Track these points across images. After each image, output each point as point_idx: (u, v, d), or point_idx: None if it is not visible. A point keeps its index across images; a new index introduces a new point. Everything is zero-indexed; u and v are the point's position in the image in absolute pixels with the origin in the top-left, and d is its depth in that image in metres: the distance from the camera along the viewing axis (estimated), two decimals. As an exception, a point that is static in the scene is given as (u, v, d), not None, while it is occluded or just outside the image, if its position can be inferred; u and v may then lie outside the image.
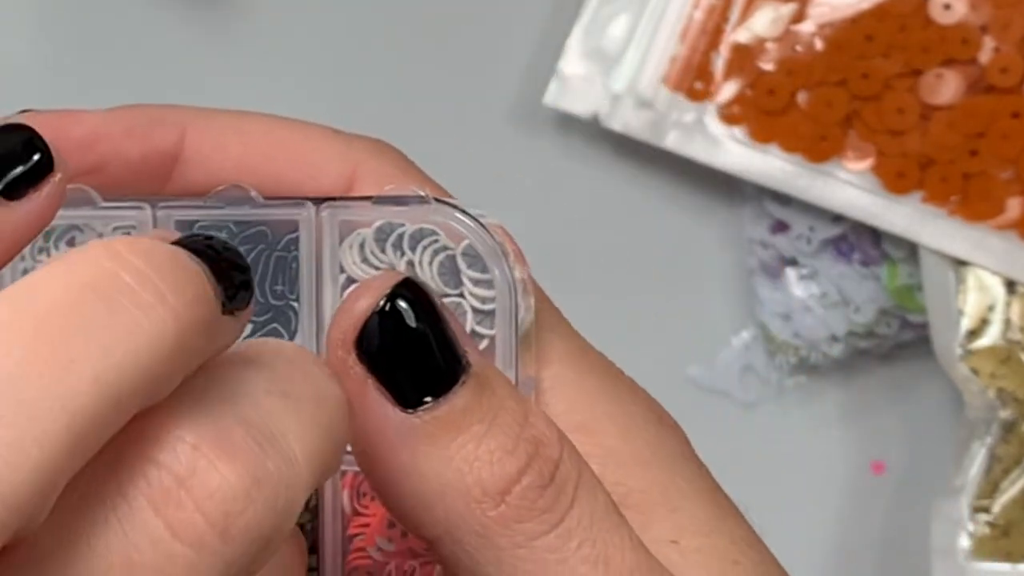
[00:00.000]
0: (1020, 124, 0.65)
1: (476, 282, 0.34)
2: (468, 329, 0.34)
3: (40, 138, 0.30)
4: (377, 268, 0.34)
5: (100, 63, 0.69)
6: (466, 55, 0.70)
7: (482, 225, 0.34)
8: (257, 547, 0.25)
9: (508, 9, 0.70)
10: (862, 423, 0.69)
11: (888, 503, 0.69)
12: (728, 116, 0.66)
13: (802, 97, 0.66)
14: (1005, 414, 0.65)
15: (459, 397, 0.29)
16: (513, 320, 0.34)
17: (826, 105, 0.66)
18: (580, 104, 0.67)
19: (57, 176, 0.30)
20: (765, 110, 0.66)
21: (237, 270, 0.27)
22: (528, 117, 0.69)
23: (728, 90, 0.66)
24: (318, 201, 0.34)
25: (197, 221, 0.34)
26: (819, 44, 0.66)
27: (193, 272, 0.26)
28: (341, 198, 0.34)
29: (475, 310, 0.34)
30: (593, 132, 0.69)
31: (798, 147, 0.66)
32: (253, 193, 0.34)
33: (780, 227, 0.68)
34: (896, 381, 0.70)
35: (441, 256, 0.34)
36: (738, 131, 0.66)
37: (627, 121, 0.67)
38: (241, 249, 0.34)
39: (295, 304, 0.35)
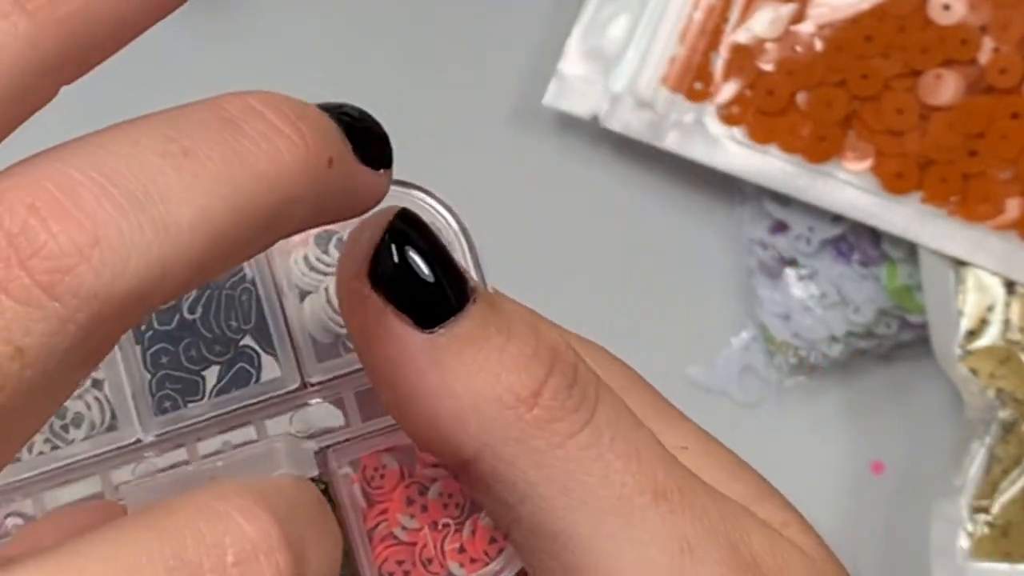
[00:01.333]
0: (1019, 124, 0.65)
1: None
2: None
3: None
4: (324, 273, 0.35)
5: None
6: (466, 55, 0.70)
7: (447, 207, 0.35)
8: (99, 308, 0.24)
9: (508, 9, 0.70)
10: (862, 423, 0.70)
11: (888, 503, 0.69)
12: (728, 116, 0.66)
13: (802, 97, 0.66)
14: (1004, 414, 0.65)
15: (475, 312, 0.30)
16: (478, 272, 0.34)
17: (826, 105, 0.66)
18: (580, 104, 0.68)
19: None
20: (765, 110, 0.66)
21: (372, 132, 0.29)
22: (528, 117, 0.69)
23: (728, 90, 0.66)
24: None
25: None
26: (819, 44, 0.66)
27: (326, 123, 0.28)
28: None
29: None
30: (593, 132, 0.69)
31: (798, 147, 0.66)
32: None
33: (780, 227, 0.68)
34: (895, 381, 0.70)
35: None
36: (738, 131, 0.66)
37: (627, 121, 0.67)
38: (193, 294, 0.35)
39: (249, 336, 0.35)
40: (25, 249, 0.24)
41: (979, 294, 0.66)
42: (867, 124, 0.66)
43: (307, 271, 0.35)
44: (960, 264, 0.66)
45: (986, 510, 0.65)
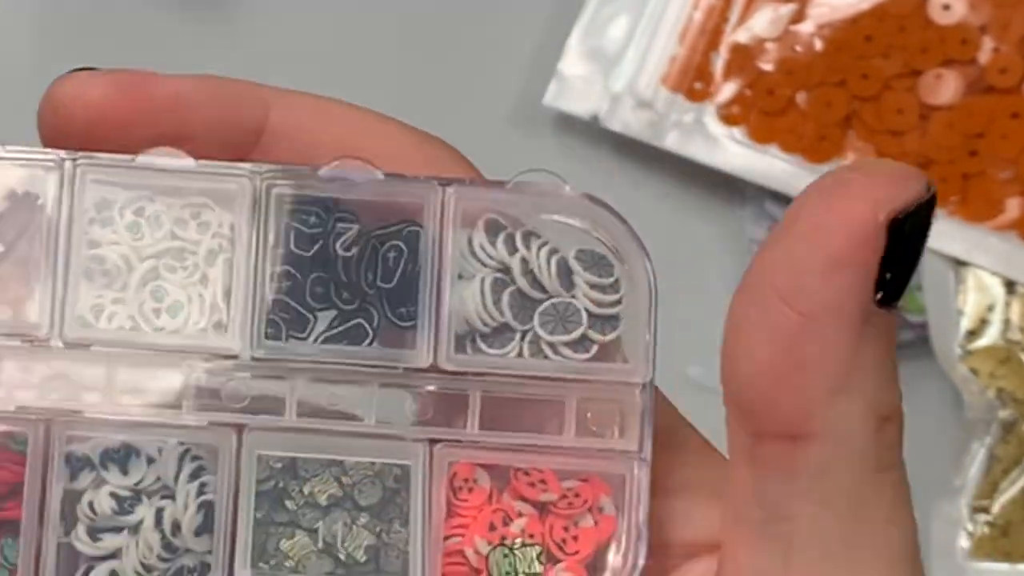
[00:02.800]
0: (1019, 124, 0.65)
1: (592, 285, 0.33)
2: (580, 333, 0.33)
3: None
4: (483, 263, 0.33)
5: (98, 63, 0.69)
6: (466, 55, 0.70)
7: (622, 220, 0.33)
8: None
9: (508, 9, 0.70)
10: (862, 423, 0.69)
11: (888, 503, 0.69)
12: (728, 116, 0.66)
13: (802, 97, 0.66)
14: (1004, 414, 0.65)
15: (895, 314, 0.29)
16: (652, 320, 0.33)
17: (826, 105, 0.66)
18: (580, 104, 0.68)
19: None
20: (765, 110, 0.66)
21: None
22: (528, 117, 0.69)
23: (728, 90, 0.66)
24: (443, 182, 0.33)
25: (298, 195, 0.33)
26: (819, 44, 0.66)
27: None
28: (469, 182, 0.33)
29: (590, 313, 0.33)
30: (593, 132, 0.69)
31: (798, 147, 0.66)
32: (374, 170, 0.33)
33: (780, 227, 0.68)
34: (896, 381, 0.70)
35: (557, 257, 0.33)
36: (738, 131, 0.66)
37: (627, 121, 0.67)
38: (345, 227, 0.33)
39: (381, 296, 0.33)
40: None
41: (979, 294, 0.66)
42: (867, 124, 0.66)
43: (468, 255, 0.33)
44: (960, 264, 0.66)
45: (986, 510, 0.65)
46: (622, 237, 0.33)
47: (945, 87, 0.65)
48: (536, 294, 0.33)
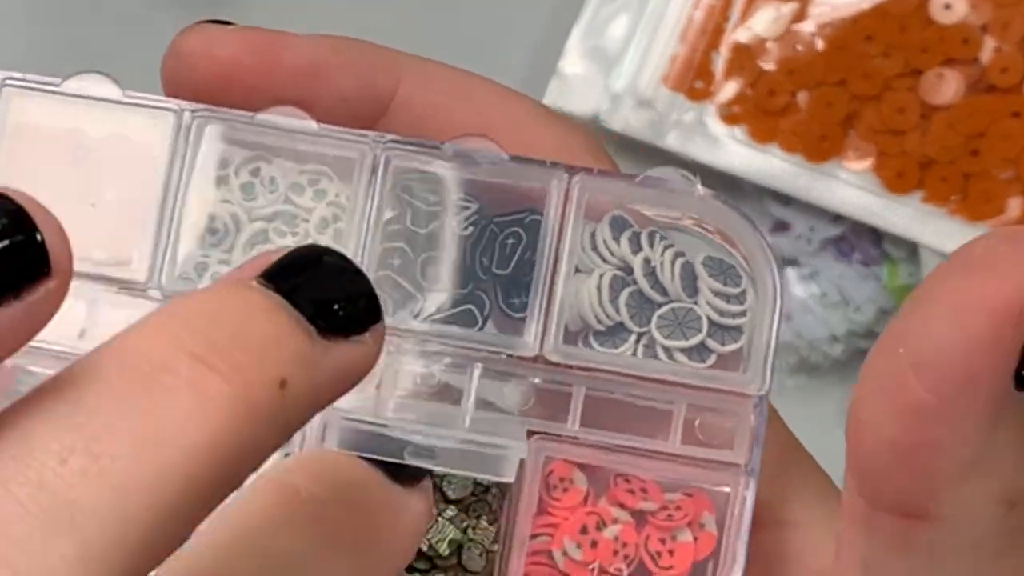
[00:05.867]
0: (1020, 124, 0.65)
1: (717, 293, 0.31)
2: (699, 341, 0.31)
3: (35, 230, 0.23)
4: (604, 259, 0.31)
5: (97, 64, 0.69)
6: (466, 55, 0.70)
7: (755, 227, 0.32)
8: None
9: (508, 9, 0.70)
10: (862, 423, 0.69)
11: (888, 503, 0.69)
12: (728, 116, 0.66)
13: (802, 97, 0.66)
14: (1005, 414, 0.65)
15: None
16: (775, 333, 0.31)
17: (826, 105, 0.66)
18: (580, 104, 0.67)
19: (51, 284, 0.23)
20: (765, 110, 0.66)
21: (344, 288, 0.24)
22: (528, 117, 0.69)
23: (728, 90, 0.66)
24: (571, 170, 0.31)
25: (419, 170, 0.31)
26: (819, 44, 0.66)
27: (273, 329, 0.23)
28: (599, 172, 0.31)
29: (712, 322, 0.32)
30: (593, 132, 0.69)
31: (798, 147, 0.66)
32: (500, 150, 0.31)
33: (781, 227, 0.68)
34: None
35: (682, 261, 0.31)
36: (738, 131, 0.66)
37: (627, 121, 0.67)
38: (464, 208, 0.31)
39: (495, 282, 0.31)
40: None
41: (980, 294, 0.66)
42: (868, 123, 0.65)
43: (589, 249, 0.31)
44: (961, 264, 0.66)
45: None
46: (753, 245, 0.32)
47: (946, 87, 0.65)
48: (656, 296, 0.31)
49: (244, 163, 0.32)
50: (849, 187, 0.66)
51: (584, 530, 0.31)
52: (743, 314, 0.31)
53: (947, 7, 0.65)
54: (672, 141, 0.67)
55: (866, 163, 0.66)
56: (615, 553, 0.31)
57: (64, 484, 0.21)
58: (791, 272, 0.68)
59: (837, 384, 0.69)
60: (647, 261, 0.31)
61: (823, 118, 0.66)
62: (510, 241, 0.31)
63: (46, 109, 0.32)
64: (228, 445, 0.22)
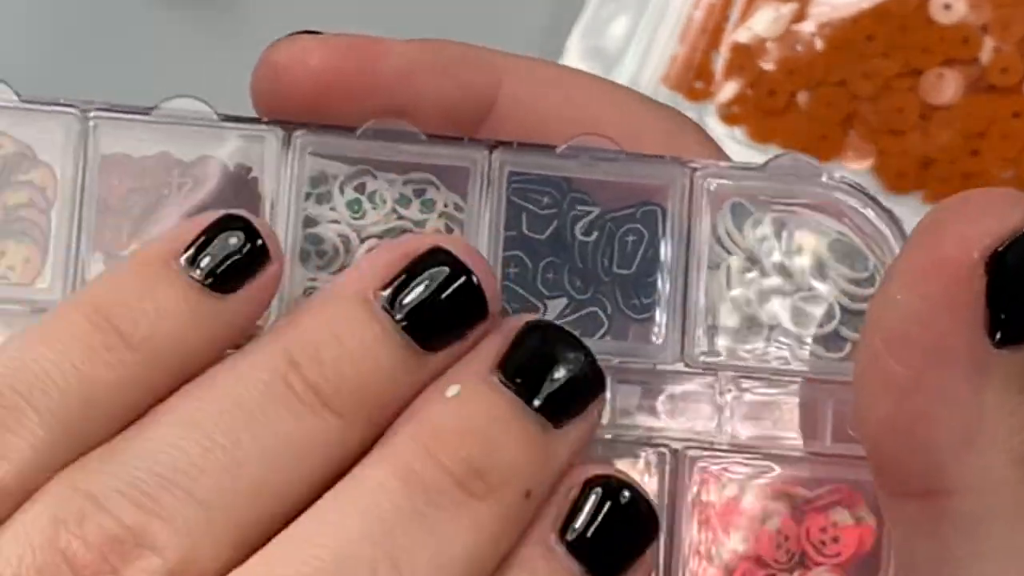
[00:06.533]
0: (1020, 124, 0.65)
1: (846, 278, 0.31)
2: (832, 329, 0.30)
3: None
4: (728, 251, 0.30)
5: (97, 63, 0.69)
6: (466, 55, 0.70)
7: (882, 208, 0.31)
8: None
9: (508, 10, 0.70)
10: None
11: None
12: (728, 116, 0.66)
13: (802, 97, 0.66)
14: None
15: None
16: None
17: (826, 105, 0.66)
18: (580, 104, 0.67)
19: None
20: (765, 110, 0.66)
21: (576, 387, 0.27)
22: (528, 117, 0.69)
23: (728, 90, 0.66)
24: (689, 164, 0.30)
25: (532, 173, 0.30)
26: (819, 44, 0.66)
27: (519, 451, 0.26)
28: (718, 163, 0.31)
29: (844, 309, 0.31)
30: (593, 132, 0.69)
31: (798, 147, 0.66)
32: (616, 147, 0.30)
33: (780, 227, 0.68)
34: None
35: (810, 245, 0.31)
36: (738, 131, 0.66)
37: (627, 121, 0.67)
38: (580, 208, 0.30)
39: (618, 283, 0.30)
40: None
41: (980, 294, 0.66)
42: (868, 123, 0.65)
43: (712, 242, 0.30)
44: (961, 264, 0.66)
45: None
46: (881, 225, 0.31)
47: (946, 87, 0.65)
48: (786, 285, 0.31)
49: (348, 179, 0.31)
50: (849, 187, 0.66)
51: (741, 526, 0.31)
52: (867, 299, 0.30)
53: (947, 7, 0.65)
54: (672, 141, 0.67)
55: (866, 163, 0.66)
56: (777, 547, 0.31)
57: None
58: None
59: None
60: (773, 249, 0.31)
61: (823, 118, 0.66)
62: (631, 238, 0.31)
63: (136, 135, 0.31)
64: (488, 552, 0.26)
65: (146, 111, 0.30)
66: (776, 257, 0.31)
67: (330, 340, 0.26)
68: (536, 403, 0.27)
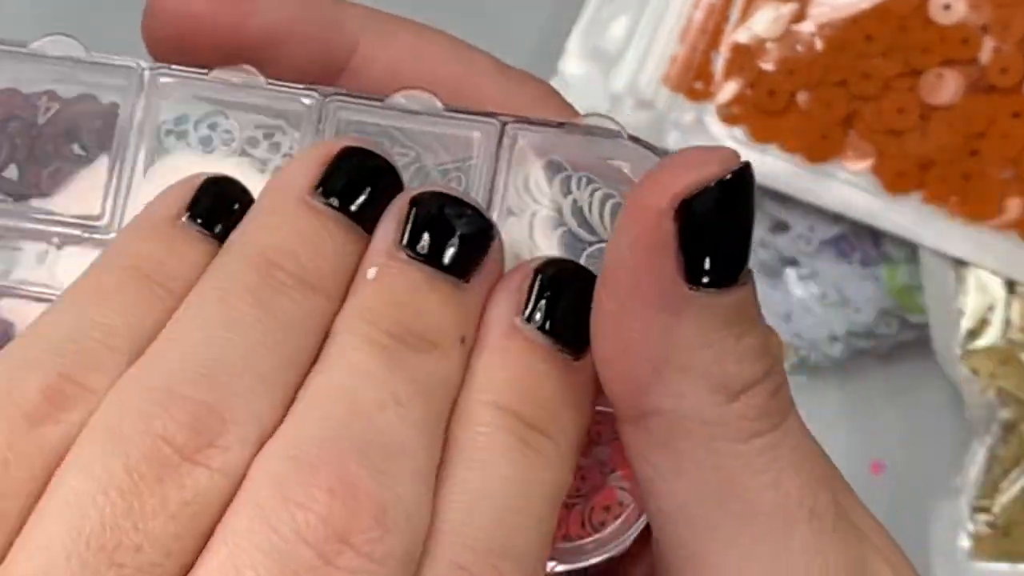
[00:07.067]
0: (1020, 124, 0.65)
1: None
2: None
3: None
4: (537, 202, 0.33)
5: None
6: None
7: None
8: None
9: (508, 9, 0.70)
10: (862, 423, 0.69)
11: (888, 503, 0.69)
12: (728, 116, 0.66)
13: (802, 97, 0.66)
14: (1005, 414, 0.65)
15: (740, 294, 0.30)
16: None
17: (826, 105, 0.66)
18: (580, 104, 0.67)
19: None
20: (765, 110, 0.66)
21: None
22: (528, 117, 0.69)
23: (728, 90, 0.66)
24: (504, 119, 0.33)
25: (366, 123, 0.33)
26: (819, 44, 0.66)
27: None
28: (529, 120, 0.33)
29: None
30: (593, 132, 0.69)
31: (798, 147, 0.66)
32: (436, 101, 0.33)
33: (780, 227, 0.68)
34: (896, 381, 0.70)
35: (611, 203, 0.33)
36: (738, 131, 0.66)
37: (627, 121, 0.67)
38: (403, 156, 0.33)
39: None
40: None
41: (979, 294, 0.66)
42: (868, 124, 0.66)
43: (522, 192, 0.33)
44: (960, 264, 0.66)
45: (987, 510, 0.65)
46: None
47: (946, 87, 0.65)
48: (586, 235, 0.33)
49: (202, 118, 0.34)
50: (849, 187, 0.66)
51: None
52: None
53: (947, 7, 0.65)
54: (672, 141, 0.67)
55: (866, 163, 0.66)
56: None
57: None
58: (790, 272, 0.68)
59: (837, 384, 0.70)
60: (575, 202, 0.33)
61: (823, 118, 0.66)
62: (452, 186, 0.33)
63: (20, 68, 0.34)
64: (454, 379, 0.30)
65: (22, 44, 0.34)
66: (577, 208, 0.33)
67: (294, 236, 0.30)
68: (445, 265, 0.30)
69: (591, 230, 0.33)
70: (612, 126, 0.33)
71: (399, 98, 0.33)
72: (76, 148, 0.34)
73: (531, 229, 0.33)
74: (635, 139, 0.33)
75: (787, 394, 0.31)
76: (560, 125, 0.33)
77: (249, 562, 0.26)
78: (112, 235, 0.33)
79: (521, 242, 0.33)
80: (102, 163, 0.33)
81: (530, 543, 0.29)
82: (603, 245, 0.33)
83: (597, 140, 0.33)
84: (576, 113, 0.35)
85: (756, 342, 0.30)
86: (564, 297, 0.31)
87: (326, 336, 0.30)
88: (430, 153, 0.33)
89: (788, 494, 0.30)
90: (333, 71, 0.34)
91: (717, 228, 0.29)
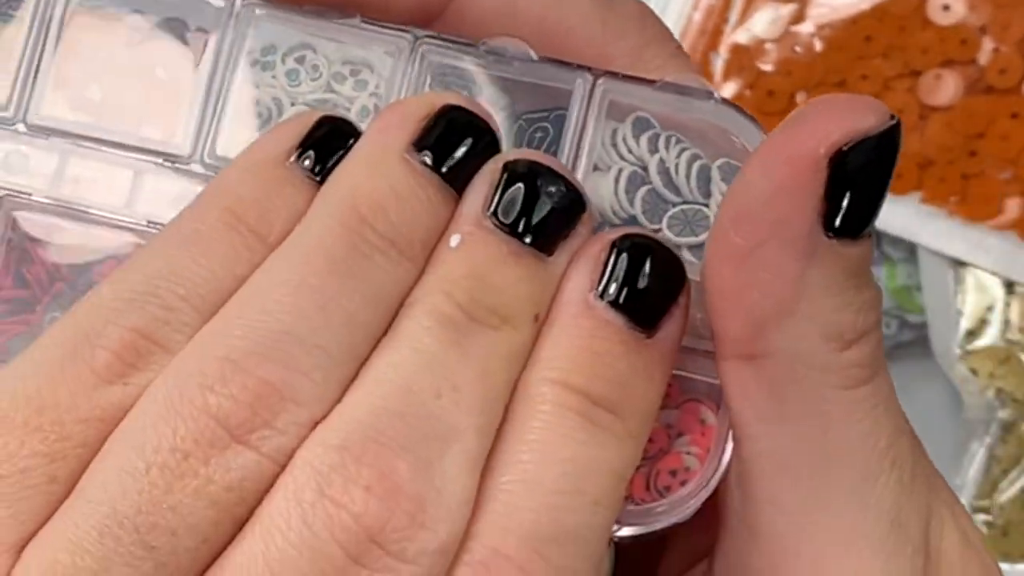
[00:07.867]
0: (1019, 124, 0.65)
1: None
2: (705, 238, 0.33)
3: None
4: (624, 159, 0.33)
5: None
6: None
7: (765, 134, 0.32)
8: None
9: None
10: (861, 423, 0.69)
11: (887, 503, 0.69)
12: (727, 117, 0.67)
13: (801, 98, 0.66)
14: (1004, 414, 0.66)
15: (866, 245, 0.30)
16: None
17: (825, 106, 0.66)
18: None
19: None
20: (765, 111, 0.66)
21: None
22: (528, 118, 0.69)
23: (727, 91, 0.66)
24: (597, 73, 0.33)
25: (456, 67, 0.33)
26: (818, 45, 0.66)
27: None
28: (620, 75, 0.33)
29: None
30: (592, 133, 0.69)
31: (797, 148, 0.66)
32: (530, 51, 0.33)
33: (779, 227, 0.68)
34: (895, 381, 0.70)
35: (699, 164, 0.33)
36: (737, 132, 0.66)
37: (626, 122, 0.67)
38: (494, 104, 0.33)
39: None
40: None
41: (978, 294, 0.66)
42: (867, 124, 0.66)
43: (608, 147, 0.33)
44: (959, 264, 0.66)
45: (986, 510, 0.65)
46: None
47: (945, 87, 0.65)
48: (670, 196, 0.33)
49: (290, 51, 0.33)
50: (848, 188, 0.66)
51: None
52: None
53: (945, 8, 0.66)
54: (671, 142, 0.67)
55: (865, 164, 0.66)
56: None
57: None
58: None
59: (836, 384, 0.69)
60: (662, 161, 0.33)
61: (822, 119, 0.66)
62: (538, 135, 0.33)
63: None
64: (517, 363, 0.29)
65: None
66: (663, 168, 0.33)
67: (389, 194, 0.29)
68: (528, 239, 0.30)
69: (676, 191, 0.33)
70: (704, 86, 0.33)
71: (493, 44, 0.33)
72: (160, 72, 0.33)
73: (615, 186, 0.33)
74: (727, 101, 0.33)
75: (881, 356, 0.31)
76: (651, 82, 0.33)
77: (279, 556, 0.26)
78: (195, 167, 0.33)
79: (605, 198, 0.33)
80: (191, 91, 0.33)
81: (582, 526, 0.29)
82: (687, 207, 0.33)
83: (688, 100, 0.33)
84: (671, 35, 0.34)
85: (872, 295, 0.30)
86: (640, 273, 0.30)
87: (402, 303, 0.29)
88: (519, 102, 0.33)
89: (877, 442, 0.30)
90: (432, 15, 0.34)
91: (865, 180, 0.29)
